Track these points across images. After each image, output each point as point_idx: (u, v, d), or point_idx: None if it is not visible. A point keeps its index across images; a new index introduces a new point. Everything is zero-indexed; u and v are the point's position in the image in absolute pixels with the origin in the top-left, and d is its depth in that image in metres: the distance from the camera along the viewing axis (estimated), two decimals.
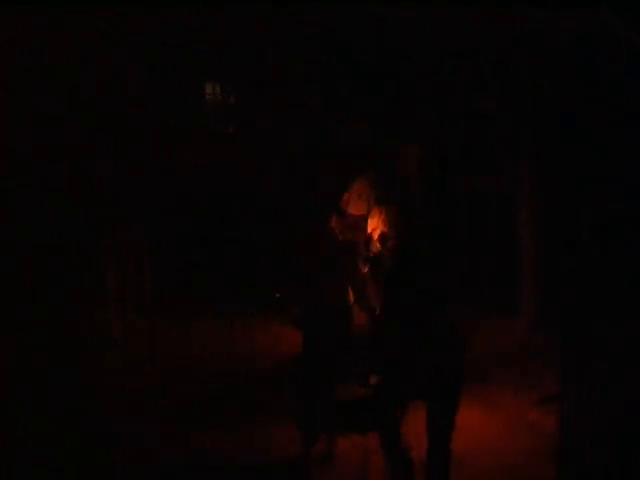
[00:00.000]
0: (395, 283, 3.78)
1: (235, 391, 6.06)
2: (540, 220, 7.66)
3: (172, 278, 9.06)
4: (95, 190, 7.22)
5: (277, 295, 6.30)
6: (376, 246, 6.20)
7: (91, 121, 6.67)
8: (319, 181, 8.71)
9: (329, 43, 8.71)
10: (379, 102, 8.73)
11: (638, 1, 6.41)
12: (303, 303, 4.29)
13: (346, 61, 8.94)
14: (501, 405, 5.46)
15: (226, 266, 9.51)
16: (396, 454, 3.70)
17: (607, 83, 6.95)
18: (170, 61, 8.53)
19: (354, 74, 8.98)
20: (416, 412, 3.79)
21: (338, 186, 8.28)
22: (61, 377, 5.32)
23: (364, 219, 7.97)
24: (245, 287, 9.15)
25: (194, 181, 8.74)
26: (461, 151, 8.37)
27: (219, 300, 8.93)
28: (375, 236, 6.82)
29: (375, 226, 7.87)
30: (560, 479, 4.08)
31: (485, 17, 7.46)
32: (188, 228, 9.57)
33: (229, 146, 9.05)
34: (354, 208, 8.10)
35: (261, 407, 5.58)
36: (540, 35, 7.30)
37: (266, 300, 8.31)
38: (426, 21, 7.89)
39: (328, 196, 8.52)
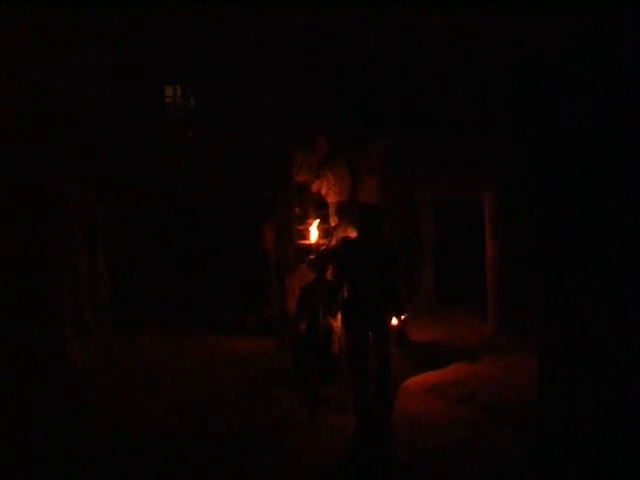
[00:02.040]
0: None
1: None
2: (502, 228, 7.76)
3: (138, 289, 8.89)
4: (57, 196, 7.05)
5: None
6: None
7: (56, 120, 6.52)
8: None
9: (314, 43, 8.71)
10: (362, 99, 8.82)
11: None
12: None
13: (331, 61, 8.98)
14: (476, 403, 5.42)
15: (194, 274, 9.40)
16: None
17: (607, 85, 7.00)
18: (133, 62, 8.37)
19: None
20: None
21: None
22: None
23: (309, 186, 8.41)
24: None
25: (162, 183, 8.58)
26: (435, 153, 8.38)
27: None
28: (329, 198, 8.19)
29: (321, 186, 8.15)
30: (537, 477, 4.08)
31: (484, 19, 7.50)
32: (155, 237, 9.40)
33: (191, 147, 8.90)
34: (300, 177, 8.51)
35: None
36: (538, 37, 7.32)
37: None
38: (423, 23, 7.91)
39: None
